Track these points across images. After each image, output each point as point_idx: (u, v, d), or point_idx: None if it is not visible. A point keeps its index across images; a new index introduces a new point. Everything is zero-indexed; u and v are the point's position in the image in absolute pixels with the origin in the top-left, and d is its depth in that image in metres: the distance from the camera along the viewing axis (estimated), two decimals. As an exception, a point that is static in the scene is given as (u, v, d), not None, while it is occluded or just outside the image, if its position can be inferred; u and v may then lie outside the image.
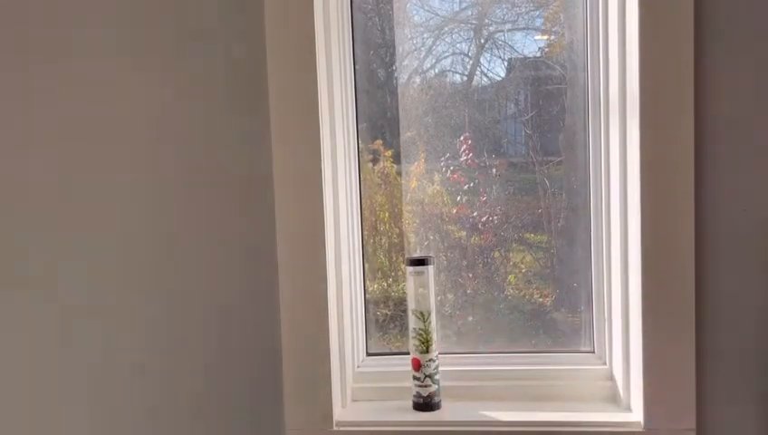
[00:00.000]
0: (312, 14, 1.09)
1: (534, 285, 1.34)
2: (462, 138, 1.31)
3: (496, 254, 1.34)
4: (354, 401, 1.26)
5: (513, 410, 1.18)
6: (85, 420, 1.24)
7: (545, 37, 1.34)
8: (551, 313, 1.32)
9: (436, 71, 1.36)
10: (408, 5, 1.33)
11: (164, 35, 1.15)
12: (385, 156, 1.33)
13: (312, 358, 1.14)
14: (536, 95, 1.31)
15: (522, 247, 1.34)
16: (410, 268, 1.20)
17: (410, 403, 1.21)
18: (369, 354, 1.33)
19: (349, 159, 1.26)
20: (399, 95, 1.34)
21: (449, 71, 1.36)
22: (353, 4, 1.25)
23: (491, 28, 1.35)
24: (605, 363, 1.24)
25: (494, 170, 1.31)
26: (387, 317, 1.36)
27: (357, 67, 1.27)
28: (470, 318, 1.34)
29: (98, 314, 1.22)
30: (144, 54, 1.16)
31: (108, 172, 1.19)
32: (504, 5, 1.32)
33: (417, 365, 1.19)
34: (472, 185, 1.32)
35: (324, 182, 1.12)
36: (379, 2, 1.33)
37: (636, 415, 1.12)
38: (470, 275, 1.35)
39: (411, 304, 1.20)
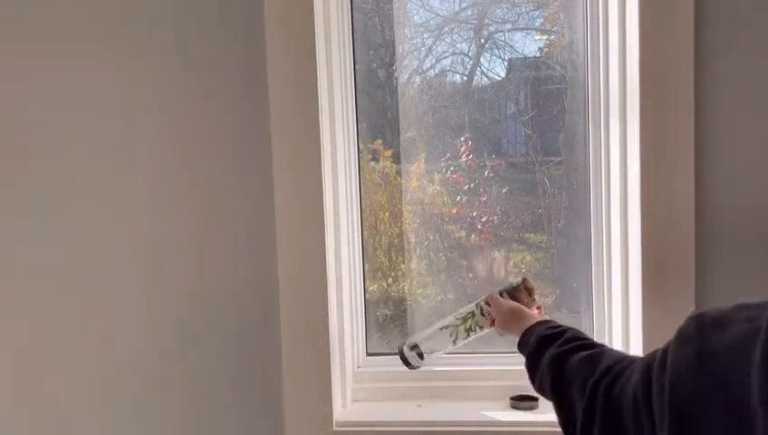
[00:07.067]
0: (312, 14, 1.09)
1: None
2: (462, 138, 1.31)
3: (496, 254, 1.34)
4: (354, 401, 1.26)
5: (514, 410, 1.18)
6: (87, 418, 1.24)
7: (545, 37, 1.34)
8: (551, 313, 1.31)
9: (436, 71, 1.36)
10: (408, 5, 1.33)
11: (161, 24, 1.16)
12: (385, 156, 1.33)
13: (313, 358, 1.14)
14: (536, 95, 1.31)
15: (522, 247, 1.34)
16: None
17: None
18: (369, 354, 1.33)
19: (349, 159, 1.26)
20: (399, 95, 1.34)
21: (449, 71, 1.36)
22: (353, 4, 1.24)
23: (491, 28, 1.35)
24: (605, 363, 1.23)
25: (493, 170, 1.31)
26: (387, 317, 1.36)
27: (357, 67, 1.27)
28: (470, 318, 1.33)
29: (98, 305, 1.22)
30: (145, 55, 1.17)
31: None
32: (503, 5, 1.32)
33: None
34: (472, 185, 1.32)
35: (324, 182, 1.12)
36: (379, 2, 1.33)
37: (636, 415, 1.12)
38: (470, 275, 1.35)
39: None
